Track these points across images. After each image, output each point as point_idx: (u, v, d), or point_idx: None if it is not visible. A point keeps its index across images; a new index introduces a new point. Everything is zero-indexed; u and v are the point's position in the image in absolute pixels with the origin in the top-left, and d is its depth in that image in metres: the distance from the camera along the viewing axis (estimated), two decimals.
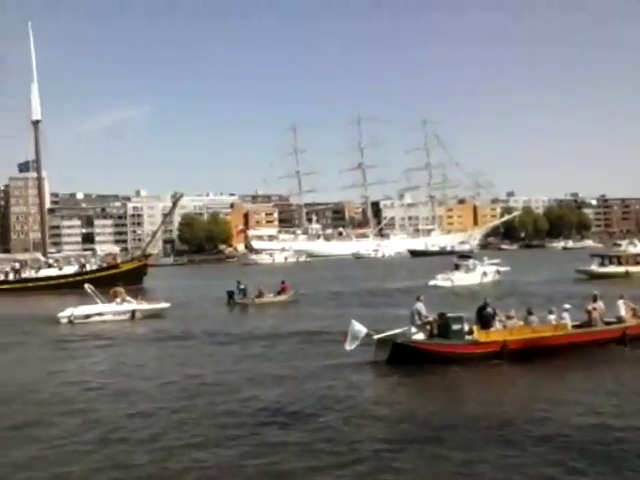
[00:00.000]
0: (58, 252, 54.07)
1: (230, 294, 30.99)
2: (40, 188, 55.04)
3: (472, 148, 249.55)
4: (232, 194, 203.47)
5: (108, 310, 25.88)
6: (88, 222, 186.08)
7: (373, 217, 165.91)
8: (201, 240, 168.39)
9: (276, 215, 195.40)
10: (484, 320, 16.24)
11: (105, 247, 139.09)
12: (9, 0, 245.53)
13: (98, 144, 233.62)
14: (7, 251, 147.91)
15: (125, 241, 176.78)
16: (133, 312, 26.10)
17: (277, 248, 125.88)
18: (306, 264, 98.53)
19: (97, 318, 25.43)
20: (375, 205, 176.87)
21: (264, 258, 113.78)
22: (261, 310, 28.99)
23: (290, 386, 13.56)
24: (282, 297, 31.46)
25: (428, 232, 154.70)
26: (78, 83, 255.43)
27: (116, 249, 50.96)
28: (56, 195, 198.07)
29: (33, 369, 16.47)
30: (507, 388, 13.73)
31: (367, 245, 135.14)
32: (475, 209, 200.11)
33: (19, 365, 17.31)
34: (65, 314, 25.49)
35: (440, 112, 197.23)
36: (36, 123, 52.61)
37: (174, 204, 55.86)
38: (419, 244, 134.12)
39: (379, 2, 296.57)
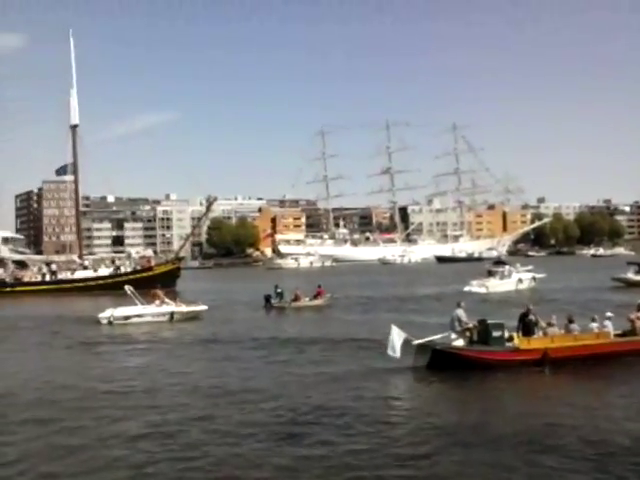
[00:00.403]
0: (90, 254, 54.83)
1: (267, 298, 31.10)
2: (77, 192, 55.82)
3: (502, 153, 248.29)
4: (260, 198, 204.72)
5: (147, 312, 26.11)
6: (118, 225, 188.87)
7: (401, 222, 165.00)
8: (229, 244, 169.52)
9: (304, 220, 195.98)
10: (526, 327, 16.03)
11: (135, 250, 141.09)
12: (49, 3, 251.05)
13: (129, 148, 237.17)
14: (39, 253, 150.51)
15: (154, 244, 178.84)
16: (172, 314, 26.24)
17: (303, 252, 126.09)
18: (331, 269, 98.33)
19: (136, 319, 25.65)
20: (403, 210, 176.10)
21: (289, 262, 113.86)
22: (298, 314, 28.96)
23: (329, 390, 13.49)
24: (318, 301, 31.57)
25: (456, 238, 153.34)
26: (110, 87, 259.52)
27: (150, 252, 51.05)
28: (87, 198, 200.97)
29: (75, 369, 16.71)
30: (548, 397, 13.42)
31: (394, 250, 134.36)
32: (505, 215, 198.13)
33: (63, 364, 17.55)
34: (105, 315, 25.79)
35: (470, 117, 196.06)
36: (74, 127, 53.48)
37: (208, 207, 56.32)
38: (446, 250, 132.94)
39: (418, 9, 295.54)
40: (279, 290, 31.73)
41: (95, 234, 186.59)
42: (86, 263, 51.24)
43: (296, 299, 31.14)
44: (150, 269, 48.60)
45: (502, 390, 14.16)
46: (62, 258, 56.83)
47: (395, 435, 10.41)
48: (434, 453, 9.51)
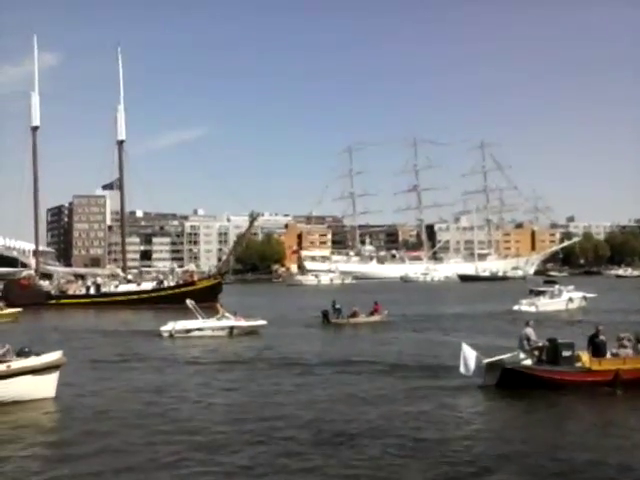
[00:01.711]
0: (123, 269, 55.54)
1: (325, 313, 30.92)
2: (122, 207, 56.54)
3: (531, 172, 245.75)
4: (286, 215, 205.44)
5: (207, 326, 26.15)
6: (147, 240, 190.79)
7: (427, 240, 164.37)
8: (255, 260, 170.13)
9: (329, 236, 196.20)
10: (597, 348, 15.78)
11: (163, 264, 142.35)
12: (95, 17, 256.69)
13: (158, 164, 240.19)
14: (69, 266, 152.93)
15: (182, 259, 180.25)
16: (231, 328, 26.26)
17: (324, 269, 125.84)
18: (352, 286, 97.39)
19: (197, 333, 25.71)
20: (430, 228, 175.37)
21: (309, 279, 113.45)
22: (356, 330, 28.72)
23: (397, 407, 13.46)
24: (375, 317, 31.42)
25: (484, 256, 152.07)
26: (141, 104, 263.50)
27: (193, 267, 51.43)
28: (117, 213, 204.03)
29: (143, 382, 16.76)
30: (621, 420, 13.15)
31: (418, 268, 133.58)
32: (533, 234, 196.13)
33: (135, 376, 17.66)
34: (167, 328, 25.97)
35: (499, 135, 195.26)
36: (121, 143, 54.38)
37: (251, 223, 56.80)
38: (469, 269, 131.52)
39: (446, 25, 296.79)
40: (337, 306, 31.51)
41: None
42: (130, 277, 51.75)
43: (354, 315, 30.94)
44: (193, 283, 48.73)
45: (576, 412, 13.97)
46: (107, 272, 57.52)
47: (460, 453, 10.37)
48: (500, 473, 9.39)
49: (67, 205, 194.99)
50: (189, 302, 26.60)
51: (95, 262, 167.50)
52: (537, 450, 10.59)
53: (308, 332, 28.29)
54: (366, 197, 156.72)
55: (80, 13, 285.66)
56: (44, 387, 14.11)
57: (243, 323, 26.88)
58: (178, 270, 56.09)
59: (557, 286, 40.30)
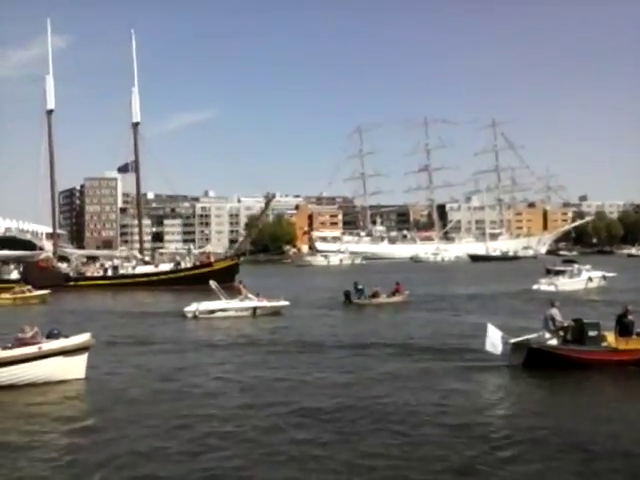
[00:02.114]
0: (131, 249, 55.61)
1: (347, 294, 30.91)
2: (138, 190, 56.60)
3: (543, 151, 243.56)
4: (297, 196, 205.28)
5: (231, 306, 26.28)
6: (158, 221, 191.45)
7: (439, 220, 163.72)
8: (266, 241, 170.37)
9: (340, 217, 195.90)
10: (624, 327, 15.75)
11: (174, 246, 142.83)
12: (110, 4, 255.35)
13: (169, 146, 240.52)
14: (81, 248, 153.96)
15: (193, 240, 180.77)
16: (254, 309, 26.34)
17: (334, 250, 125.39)
18: (361, 267, 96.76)
19: (220, 314, 25.81)
20: (441, 208, 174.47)
21: (319, 260, 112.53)
22: (378, 311, 28.60)
23: (423, 388, 13.56)
24: (397, 298, 31.34)
25: (495, 236, 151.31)
26: (151, 85, 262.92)
27: (210, 248, 51.25)
28: (127, 195, 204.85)
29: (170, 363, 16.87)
30: None
31: (428, 249, 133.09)
32: (545, 213, 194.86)
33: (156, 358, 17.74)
34: (190, 309, 26.09)
35: (510, 114, 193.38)
36: (136, 125, 54.39)
37: (267, 204, 56.78)
38: (479, 248, 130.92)
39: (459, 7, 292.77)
40: (360, 287, 31.43)
41: (135, 230, 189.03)
42: (147, 258, 51.86)
43: (375, 295, 30.91)
44: (210, 265, 48.78)
45: (603, 392, 13.98)
46: (125, 253, 57.75)
47: (490, 434, 10.44)
48: (527, 452, 9.50)
49: (79, 188, 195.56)
50: (212, 283, 26.66)
51: (107, 244, 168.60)
52: (565, 429, 10.66)
53: (331, 313, 28.23)
54: (377, 177, 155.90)
55: None
56: (74, 368, 14.35)
57: (266, 304, 26.88)
58: (195, 251, 56.12)
59: (576, 265, 40.04)
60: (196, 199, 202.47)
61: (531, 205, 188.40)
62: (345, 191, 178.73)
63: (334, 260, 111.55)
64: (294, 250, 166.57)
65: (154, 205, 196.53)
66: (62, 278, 47.11)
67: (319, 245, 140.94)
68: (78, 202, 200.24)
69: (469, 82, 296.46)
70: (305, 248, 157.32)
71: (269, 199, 58.63)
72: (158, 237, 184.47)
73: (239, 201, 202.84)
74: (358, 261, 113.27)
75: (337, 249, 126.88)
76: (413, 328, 22.76)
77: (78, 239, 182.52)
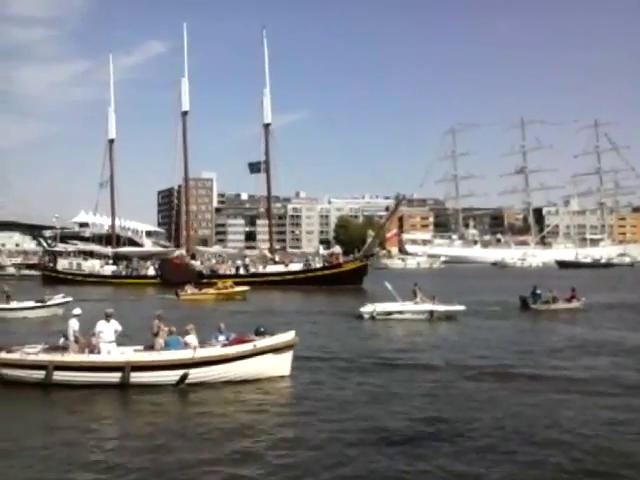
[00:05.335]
0: (266, 249, 55.86)
1: (523, 299, 30.03)
2: (269, 190, 58.43)
3: None
4: (387, 197, 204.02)
5: (408, 309, 26.11)
6: (251, 221, 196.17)
7: (535, 224, 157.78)
8: (356, 242, 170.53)
9: (431, 219, 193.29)
10: None
11: (265, 246, 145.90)
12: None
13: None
14: (178, 246, 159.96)
15: (284, 240, 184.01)
16: (431, 312, 25.95)
17: (427, 253, 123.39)
18: (440, 271, 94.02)
19: (397, 316, 25.70)
20: (537, 212, 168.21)
21: (396, 263, 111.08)
22: (553, 317, 27.28)
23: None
24: (574, 304, 30.06)
25: (596, 242, 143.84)
26: (242, 89, 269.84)
27: (338, 249, 50.70)
28: (222, 195, 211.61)
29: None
30: None
31: (515, 253, 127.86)
32: None
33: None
34: (368, 310, 26.07)
35: (614, 114, 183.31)
36: (267, 126, 56.52)
37: (397, 205, 56.71)
38: (569, 254, 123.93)
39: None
40: (538, 291, 30.23)
41: (230, 229, 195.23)
42: (277, 258, 52.52)
43: (553, 301, 29.74)
44: (339, 265, 48.85)
45: None
46: (255, 253, 59.03)
47: None
48: None
49: (177, 188, 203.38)
50: (387, 284, 26.73)
51: (203, 242, 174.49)
52: None
53: (509, 318, 27.17)
54: (470, 179, 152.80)
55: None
56: (281, 365, 14.73)
57: (442, 307, 26.40)
58: (323, 252, 56.31)
59: None
60: (287, 200, 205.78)
61: (636, 210, 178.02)
62: (437, 193, 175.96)
63: (411, 263, 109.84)
64: (383, 252, 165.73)
65: (247, 205, 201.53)
66: (196, 275, 48.03)
67: (409, 247, 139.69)
68: (176, 202, 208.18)
69: (570, 81, 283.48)
70: (395, 250, 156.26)
71: (399, 200, 58.53)
72: (251, 236, 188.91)
73: (329, 202, 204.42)
74: (436, 265, 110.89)
75: (426, 252, 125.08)
76: (611, 339, 20.81)
77: (176, 237, 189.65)
